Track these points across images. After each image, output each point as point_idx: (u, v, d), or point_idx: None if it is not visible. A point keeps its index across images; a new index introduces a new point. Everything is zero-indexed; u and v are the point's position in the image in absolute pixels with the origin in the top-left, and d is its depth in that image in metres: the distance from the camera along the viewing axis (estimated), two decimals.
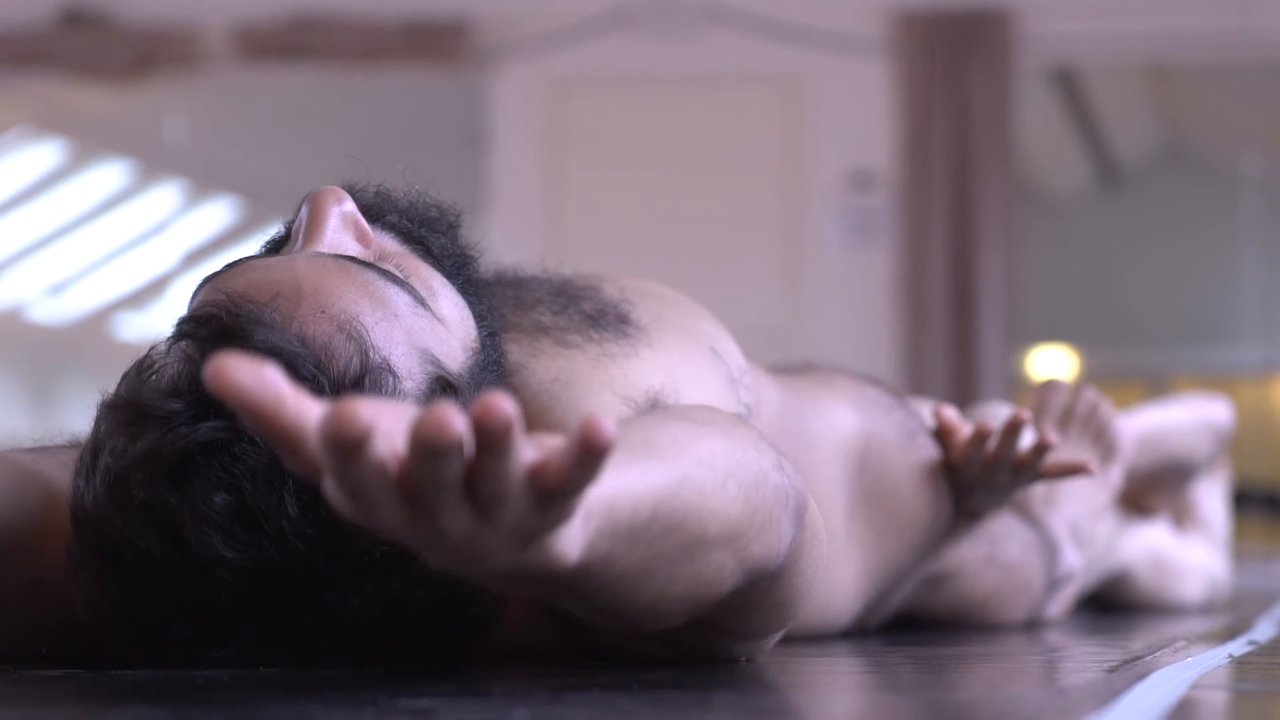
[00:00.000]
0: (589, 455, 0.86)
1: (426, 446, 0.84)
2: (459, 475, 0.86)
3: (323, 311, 1.12)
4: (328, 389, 1.09)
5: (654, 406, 1.32)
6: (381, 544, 1.08)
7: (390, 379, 1.11)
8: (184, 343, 1.12)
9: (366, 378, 1.10)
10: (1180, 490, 2.74)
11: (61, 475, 1.22)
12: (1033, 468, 1.79)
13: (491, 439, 0.86)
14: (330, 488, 0.86)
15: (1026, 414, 1.77)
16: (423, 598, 1.09)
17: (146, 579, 1.08)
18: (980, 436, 1.78)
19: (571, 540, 0.94)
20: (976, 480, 1.80)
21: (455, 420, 0.84)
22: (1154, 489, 2.69)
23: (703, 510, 1.06)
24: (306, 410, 0.86)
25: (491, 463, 0.87)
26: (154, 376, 1.11)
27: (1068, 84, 7.84)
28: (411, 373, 1.13)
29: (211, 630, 1.09)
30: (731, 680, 1.15)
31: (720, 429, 1.14)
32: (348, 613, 1.09)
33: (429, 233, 1.29)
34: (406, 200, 1.31)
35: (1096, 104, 8.23)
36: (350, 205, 1.24)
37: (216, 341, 1.10)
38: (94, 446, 1.12)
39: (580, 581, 0.99)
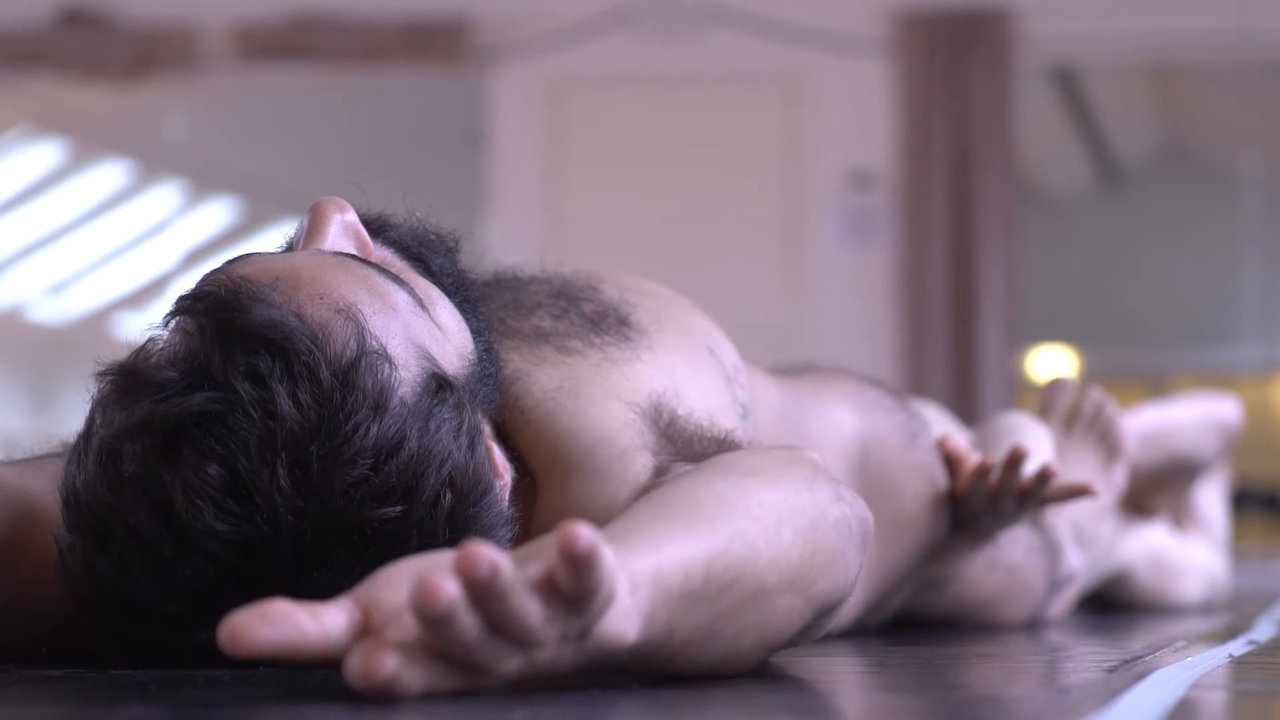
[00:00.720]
0: (577, 567, 0.90)
1: (428, 620, 0.89)
2: (477, 629, 0.90)
3: (321, 297, 1.13)
4: (324, 367, 1.09)
5: (671, 425, 1.32)
6: (371, 523, 1.08)
7: (386, 366, 1.11)
8: (181, 318, 1.13)
9: (363, 360, 1.10)
10: (1185, 489, 2.73)
11: (47, 486, 1.22)
12: (1037, 495, 1.80)
13: (484, 589, 0.89)
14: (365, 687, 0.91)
15: (1029, 444, 1.79)
16: None
17: (135, 557, 1.07)
18: (983, 470, 1.79)
19: (624, 619, 0.98)
20: (982, 510, 1.82)
21: (443, 586, 0.87)
22: (1158, 487, 2.68)
23: (758, 562, 1.08)
24: (329, 624, 0.92)
25: (500, 606, 0.90)
26: (153, 356, 1.12)
27: (1068, 84, 7.85)
28: (408, 364, 1.13)
29: (199, 610, 1.07)
30: (731, 680, 1.15)
31: (769, 476, 1.16)
32: (337, 595, 1.08)
33: (428, 252, 1.29)
34: (407, 224, 1.31)
35: (1096, 104, 8.24)
36: (352, 215, 1.25)
37: (214, 314, 1.11)
38: (87, 429, 1.12)
39: (649, 654, 1.02)
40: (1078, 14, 6.31)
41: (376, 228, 1.28)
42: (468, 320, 1.25)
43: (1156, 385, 8.30)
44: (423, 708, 0.94)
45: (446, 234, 1.34)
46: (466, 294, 1.29)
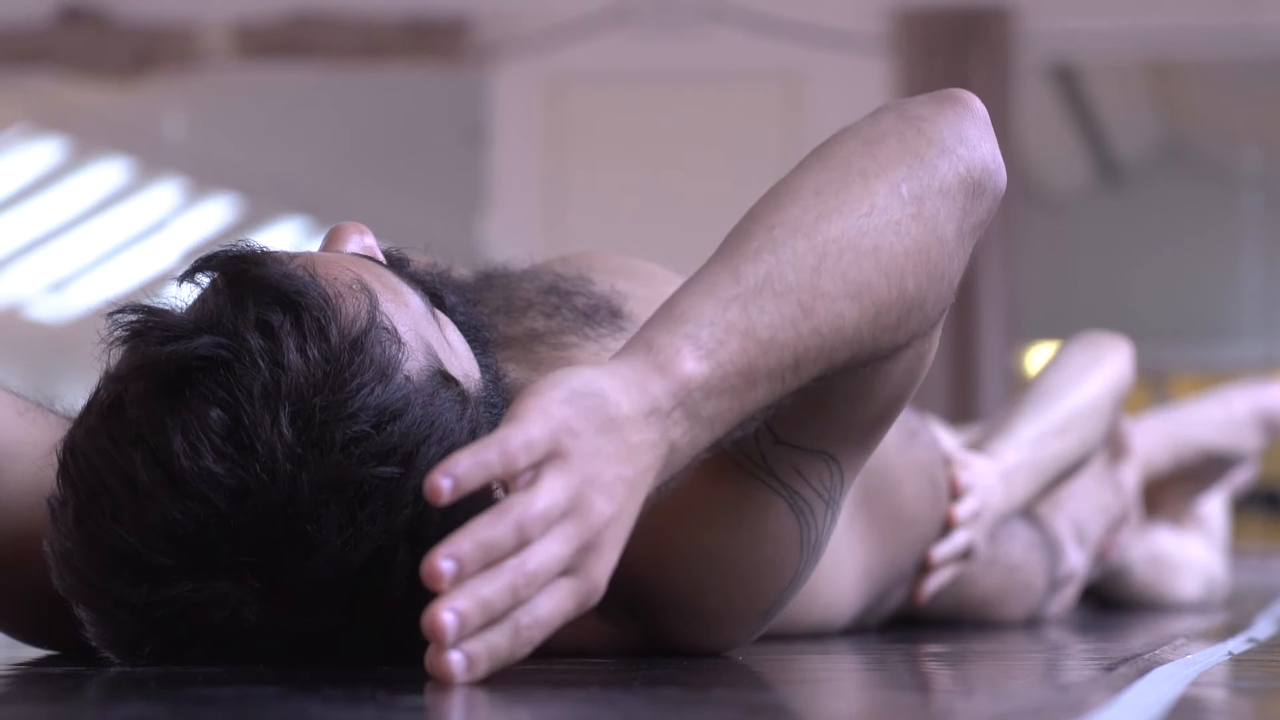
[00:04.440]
0: (433, 579, 0.97)
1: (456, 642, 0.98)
2: (515, 574, 0.98)
3: (336, 277, 1.13)
4: (334, 328, 1.09)
5: None
6: (368, 481, 1.08)
7: (395, 344, 1.11)
8: (199, 275, 1.13)
9: (372, 331, 1.11)
10: (1213, 483, 2.72)
11: (41, 436, 1.22)
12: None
13: (480, 564, 0.97)
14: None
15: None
16: (405, 556, 1.08)
17: (128, 503, 1.06)
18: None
19: (665, 377, 1.05)
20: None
21: (442, 617, 0.96)
22: (1176, 482, 2.67)
23: (801, 223, 1.12)
24: None
25: (515, 541, 0.98)
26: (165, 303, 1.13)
27: (1068, 81, 7.84)
28: (415, 352, 1.13)
29: (187, 562, 1.07)
30: (731, 678, 1.15)
31: (802, 162, 1.20)
32: (328, 555, 1.07)
33: (445, 291, 1.29)
34: (427, 266, 1.32)
35: (1096, 101, 8.23)
36: (371, 239, 1.25)
37: (229, 266, 1.11)
38: (93, 393, 1.12)
39: (758, 359, 1.07)
40: (1077, 11, 6.30)
41: (394, 259, 1.28)
42: (477, 357, 1.25)
43: (1156, 382, 8.30)
44: (422, 705, 0.94)
45: (464, 283, 1.35)
46: (478, 334, 1.29)
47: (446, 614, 0.96)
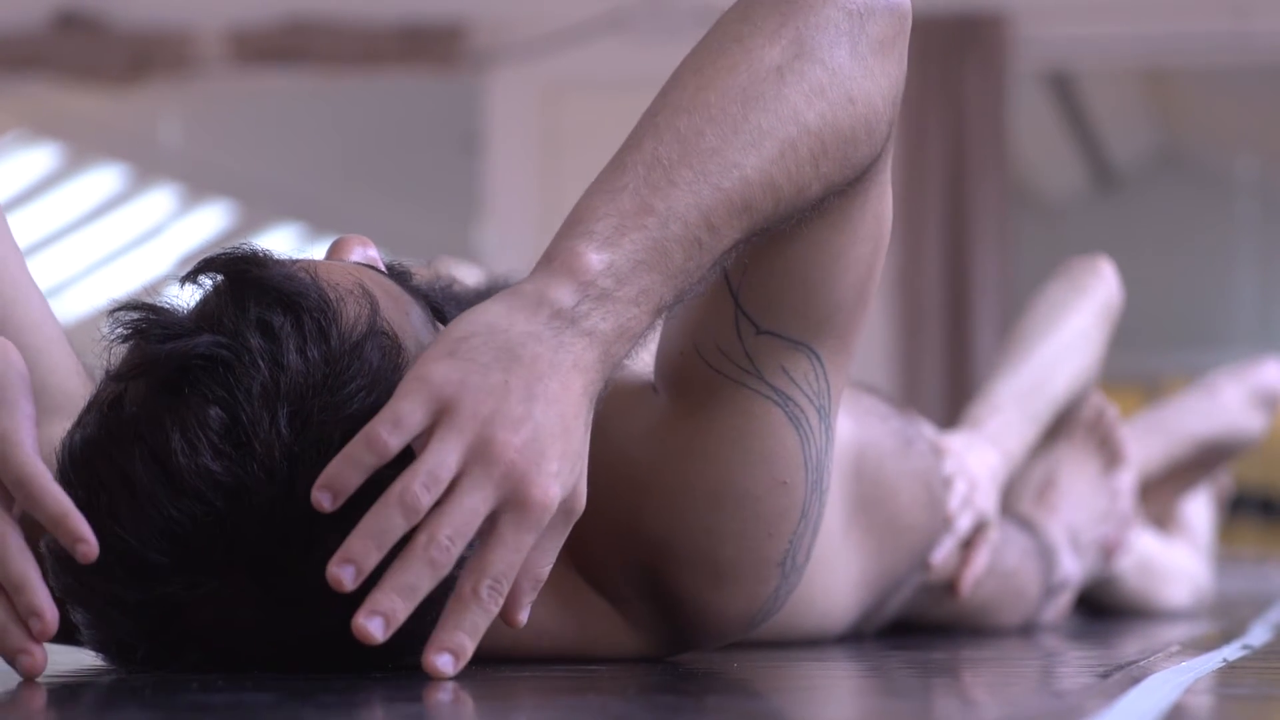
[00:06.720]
0: (338, 587, 1.02)
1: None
2: (457, 521, 1.00)
3: (338, 283, 1.14)
4: (335, 331, 1.09)
5: None
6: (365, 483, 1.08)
7: (394, 350, 1.11)
8: (201, 276, 1.14)
9: (372, 337, 1.11)
10: (1213, 474, 2.72)
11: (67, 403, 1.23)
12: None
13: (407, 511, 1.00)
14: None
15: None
16: None
17: (125, 501, 1.06)
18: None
19: (559, 269, 1.06)
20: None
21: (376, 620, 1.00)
22: (1182, 477, 2.67)
23: (682, 102, 1.12)
24: None
25: (429, 494, 1.00)
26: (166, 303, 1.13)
27: (1063, 87, 7.85)
28: (414, 359, 1.13)
29: (181, 559, 1.06)
30: (726, 685, 1.15)
31: None
32: (323, 555, 1.05)
33: (447, 306, 1.29)
34: (430, 281, 1.32)
35: (1092, 107, 8.24)
36: (374, 251, 1.25)
37: (231, 267, 1.12)
38: (95, 390, 1.12)
39: (660, 234, 1.08)
40: (1073, 18, 6.31)
41: (397, 272, 1.28)
42: None
43: (1151, 388, 8.30)
44: (417, 714, 0.94)
45: (467, 298, 1.34)
46: None
47: (369, 622, 0.99)
